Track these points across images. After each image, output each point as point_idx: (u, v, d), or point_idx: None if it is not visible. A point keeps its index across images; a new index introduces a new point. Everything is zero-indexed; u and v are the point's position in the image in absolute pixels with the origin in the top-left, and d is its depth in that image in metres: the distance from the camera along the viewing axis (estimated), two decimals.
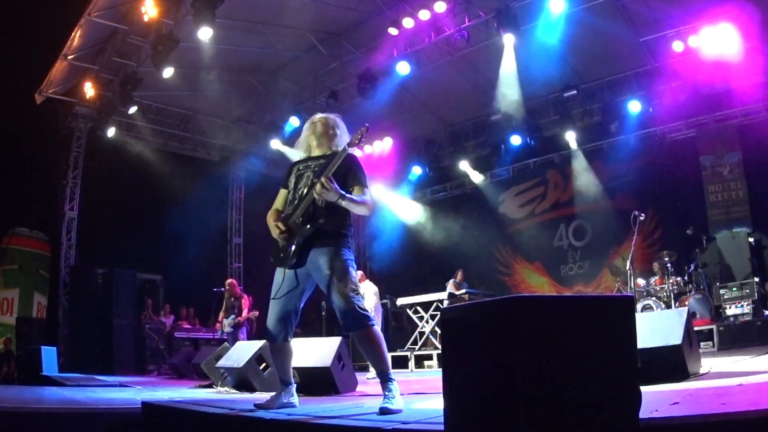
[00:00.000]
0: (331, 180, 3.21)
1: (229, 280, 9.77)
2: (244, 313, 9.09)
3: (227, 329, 9.09)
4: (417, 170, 14.61)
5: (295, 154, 3.80)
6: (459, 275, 11.40)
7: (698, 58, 10.00)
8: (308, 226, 3.33)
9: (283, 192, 3.66)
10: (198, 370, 7.65)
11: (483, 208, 14.15)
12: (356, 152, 3.58)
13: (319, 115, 3.71)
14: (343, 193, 3.27)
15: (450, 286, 11.00)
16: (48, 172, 12.10)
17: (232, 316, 9.07)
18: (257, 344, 5.84)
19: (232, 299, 9.24)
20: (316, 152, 3.62)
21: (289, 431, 2.79)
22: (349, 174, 3.38)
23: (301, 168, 3.59)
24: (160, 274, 13.09)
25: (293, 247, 3.37)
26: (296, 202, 3.46)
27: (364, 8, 10.69)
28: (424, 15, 10.08)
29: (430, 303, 10.66)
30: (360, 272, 8.03)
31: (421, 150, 14.70)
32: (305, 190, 3.41)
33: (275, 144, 13.31)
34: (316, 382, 5.15)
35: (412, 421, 2.49)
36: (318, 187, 3.19)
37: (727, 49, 9.48)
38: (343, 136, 3.60)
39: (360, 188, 3.43)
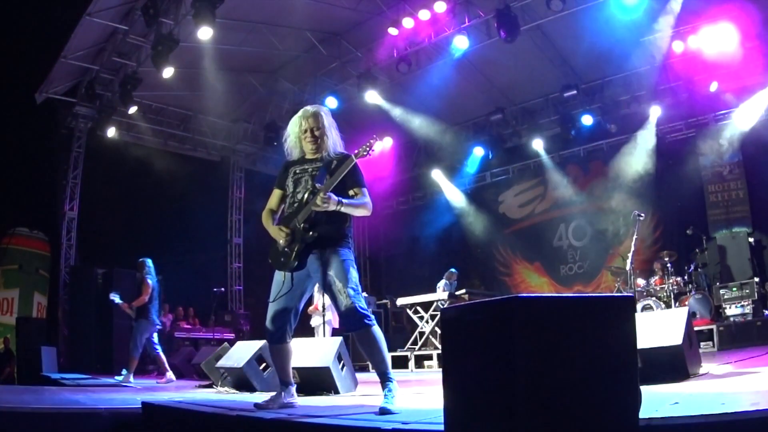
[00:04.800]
0: (329, 196, 3.24)
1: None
2: (141, 299, 8.37)
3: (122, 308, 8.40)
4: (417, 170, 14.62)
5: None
6: (452, 277, 11.36)
7: (698, 58, 10.00)
8: (311, 233, 3.34)
9: (277, 192, 3.65)
10: (198, 370, 7.64)
11: (483, 208, 14.15)
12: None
13: (310, 112, 3.58)
14: (342, 200, 3.30)
15: (440, 290, 10.95)
16: (48, 172, 12.07)
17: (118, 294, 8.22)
18: (257, 344, 5.83)
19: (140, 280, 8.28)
20: (311, 155, 3.59)
21: (289, 431, 2.79)
22: (348, 176, 3.36)
23: (298, 171, 3.57)
24: (160, 274, 13.07)
25: (294, 252, 3.38)
26: (296, 206, 3.46)
27: (364, 8, 10.68)
28: (424, 15, 10.08)
29: (430, 303, 10.65)
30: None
31: (421, 150, 14.70)
32: (306, 196, 3.41)
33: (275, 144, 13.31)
34: (316, 382, 5.14)
35: (412, 421, 2.49)
36: (318, 201, 3.23)
37: (727, 49, 9.47)
38: (333, 132, 3.58)
39: (359, 189, 3.45)
